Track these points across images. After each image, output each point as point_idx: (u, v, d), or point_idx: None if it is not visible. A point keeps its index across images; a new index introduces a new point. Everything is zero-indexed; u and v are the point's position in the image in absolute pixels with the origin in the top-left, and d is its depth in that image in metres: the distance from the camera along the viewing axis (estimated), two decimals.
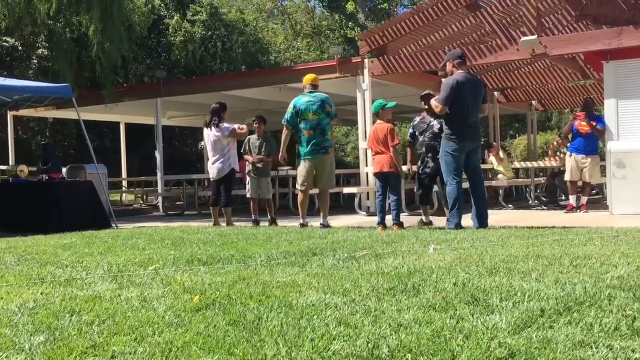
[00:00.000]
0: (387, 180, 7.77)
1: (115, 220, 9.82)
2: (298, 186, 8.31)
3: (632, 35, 9.29)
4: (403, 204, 9.60)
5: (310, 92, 8.19)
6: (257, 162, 9.23)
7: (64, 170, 12.07)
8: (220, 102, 9.36)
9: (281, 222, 9.16)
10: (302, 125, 8.04)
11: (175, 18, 21.47)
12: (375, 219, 7.95)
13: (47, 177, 10.20)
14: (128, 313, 3.01)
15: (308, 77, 8.38)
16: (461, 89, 7.03)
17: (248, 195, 9.38)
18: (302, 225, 8.13)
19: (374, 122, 8.49)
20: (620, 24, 9.72)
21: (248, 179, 9.35)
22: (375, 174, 7.88)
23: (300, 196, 8.32)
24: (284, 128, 8.26)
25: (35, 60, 17.85)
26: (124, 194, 18.87)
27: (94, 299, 3.38)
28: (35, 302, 3.35)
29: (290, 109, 8.14)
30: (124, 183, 19.09)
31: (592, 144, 10.03)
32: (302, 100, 8.11)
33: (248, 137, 9.38)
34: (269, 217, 9.24)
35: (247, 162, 9.38)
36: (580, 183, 10.15)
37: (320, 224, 8.08)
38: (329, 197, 8.43)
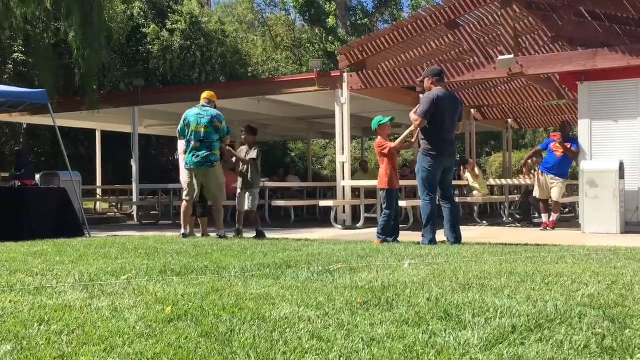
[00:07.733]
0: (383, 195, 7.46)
1: (89, 228, 9.69)
2: (183, 196, 8.63)
3: (607, 57, 9.47)
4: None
5: (204, 106, 8.56)
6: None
7: (37, 176, 11.91)
8: None
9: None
10: (191, 137, 8.39)
11: (152, 27, 21.33)
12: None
13: (19, 184, 10.05)
14: (98, 323, 2.97)
15: (205, 93, 8.79)
16: (441, 104, 7.10)
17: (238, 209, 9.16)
18: (184, 235, 8.25)
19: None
20: (596, 46, 9.92)
21: (238, 191, 9.07)
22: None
23: (184, 205, 8.54)
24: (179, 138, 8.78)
25: (10, 65, 17.61)
26: (98, 202, 18.65)
27: (64, 308, 3.33)
28: (3, 311, 3.29)
29: (181, 120, 8.54)
30: (99, 191, 18.86)
31: (564, 166, 10.18)
32: (191, 112, 8.51)
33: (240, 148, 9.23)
34: (237, 227, 9.09)
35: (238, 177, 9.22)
36: (550, 201, 10.29)
37: (217, 235, 8.32)
38: (221, 209, 8.70)
